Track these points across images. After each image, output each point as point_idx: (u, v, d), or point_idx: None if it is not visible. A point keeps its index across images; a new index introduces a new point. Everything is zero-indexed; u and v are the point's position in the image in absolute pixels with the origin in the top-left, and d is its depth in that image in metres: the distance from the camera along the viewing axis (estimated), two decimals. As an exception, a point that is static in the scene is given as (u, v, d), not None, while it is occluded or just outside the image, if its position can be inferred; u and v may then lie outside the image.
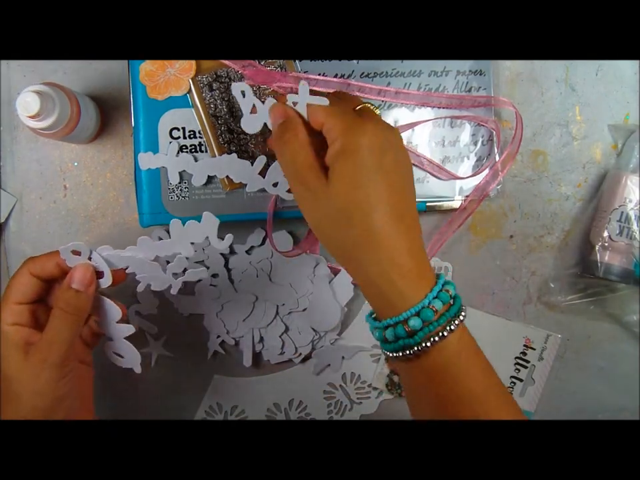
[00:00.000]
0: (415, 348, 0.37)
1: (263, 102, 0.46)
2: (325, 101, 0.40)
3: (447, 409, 0.37)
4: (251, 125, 0.50)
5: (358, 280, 0.39)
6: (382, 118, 0.41)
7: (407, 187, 0.39)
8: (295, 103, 0.43)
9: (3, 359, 0.41)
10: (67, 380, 0.41)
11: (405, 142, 0.53)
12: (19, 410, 0.40)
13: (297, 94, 0.42)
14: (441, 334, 0.36)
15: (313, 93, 0.41)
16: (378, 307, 0.39)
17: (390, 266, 0.37)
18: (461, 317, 0.38)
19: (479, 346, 0.39)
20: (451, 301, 0.38)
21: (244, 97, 0.48)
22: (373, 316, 0.40)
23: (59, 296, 0.41)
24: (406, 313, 0.36)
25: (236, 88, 0.48)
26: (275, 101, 0.43)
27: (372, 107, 0.42)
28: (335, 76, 0.52)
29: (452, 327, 0.37)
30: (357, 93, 0.52)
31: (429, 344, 0.36)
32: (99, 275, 0.43)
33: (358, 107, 0.41)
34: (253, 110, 0.46)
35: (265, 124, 0.46)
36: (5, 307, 0.41)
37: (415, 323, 0.36)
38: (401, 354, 0.37)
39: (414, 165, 0.54)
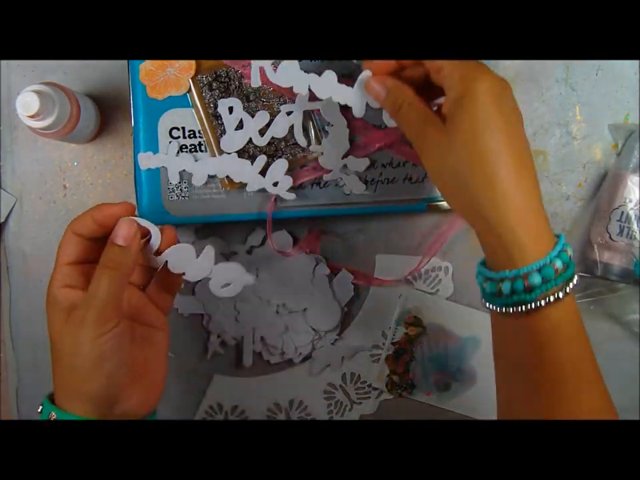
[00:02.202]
0: (530, 305, 0.35)
1: (253, 116, 0.46)
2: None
3: (532, 372, 0.37)
4: (231, 144, 0.49)
5: (476, 227, 0.38)
6: None
7: (524, 138, 0.38)
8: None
9: (48, 323, 0.40)
10: (107, 339, 0.38)
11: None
12: (62, 373, 0.40)
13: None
14: (557, 294, 0.35)
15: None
16: (494, 258, 0.38)
17: (513, 216, 0.36)
18: (574, 281, 0.36)
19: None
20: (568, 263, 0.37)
21: (230, 113, 0.48)
22: (485, 266, 0.39)
23: (103, 254, 0.41)
24: (527, 267, 0.35)
25: (223, 104, 0.48)
26: (369, 73, 0.44)
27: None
28: (335, 76, 0.52)
29: (568, 290, 0.36)
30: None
31: (544, 303, 0.35)
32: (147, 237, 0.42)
33: None
34: (239, 127, 0.46)
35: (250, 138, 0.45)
36: (57, 270, 0.41)
37: (535, 279, 0.35)
38: (512, 310, 0.36)
39: (414, 165, 0.54)
